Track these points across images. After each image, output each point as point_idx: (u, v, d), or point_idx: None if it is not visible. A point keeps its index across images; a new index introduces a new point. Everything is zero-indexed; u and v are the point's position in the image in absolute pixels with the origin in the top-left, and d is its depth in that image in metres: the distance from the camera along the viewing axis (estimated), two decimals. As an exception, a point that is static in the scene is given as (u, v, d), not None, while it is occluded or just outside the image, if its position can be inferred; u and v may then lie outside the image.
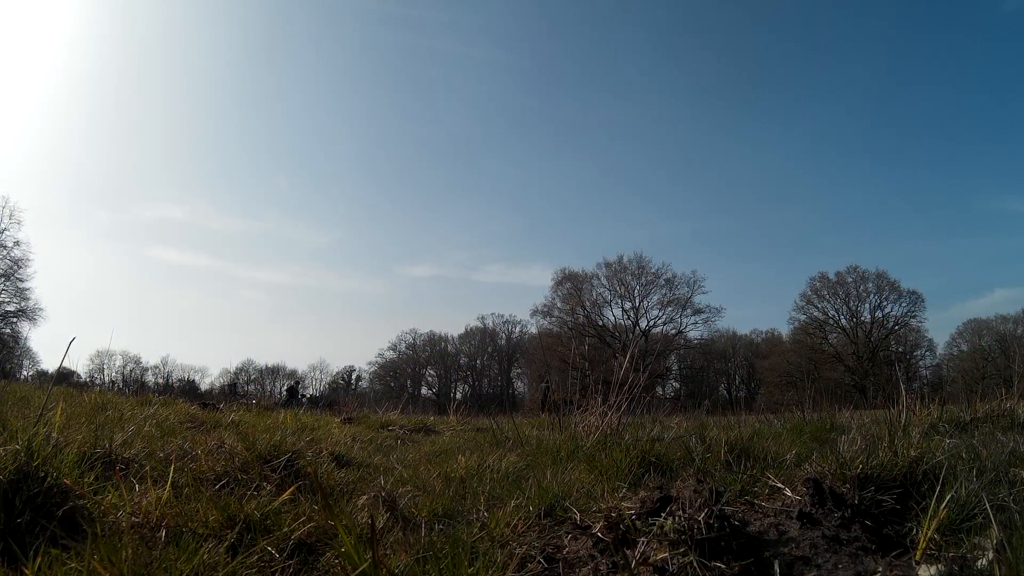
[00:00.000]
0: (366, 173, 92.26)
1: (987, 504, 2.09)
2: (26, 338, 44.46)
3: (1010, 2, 65.26)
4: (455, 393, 68.00)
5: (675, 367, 61.90)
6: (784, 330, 59.62)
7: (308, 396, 28.77)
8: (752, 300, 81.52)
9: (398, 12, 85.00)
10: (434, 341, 71.78)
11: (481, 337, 71.84)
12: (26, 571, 1.62)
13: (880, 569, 1.91)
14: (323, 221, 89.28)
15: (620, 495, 2.57)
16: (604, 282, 57.30)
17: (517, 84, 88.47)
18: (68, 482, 2.10)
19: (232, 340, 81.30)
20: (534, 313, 59.72)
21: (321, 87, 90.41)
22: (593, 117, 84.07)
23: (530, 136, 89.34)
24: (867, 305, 54.03)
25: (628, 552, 1.94)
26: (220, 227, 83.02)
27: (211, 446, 3.16)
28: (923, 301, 52.91)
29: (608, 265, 57.01)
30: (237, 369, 64.73)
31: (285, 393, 25.13)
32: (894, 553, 2.05)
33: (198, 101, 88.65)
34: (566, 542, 2.19)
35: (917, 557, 2.01)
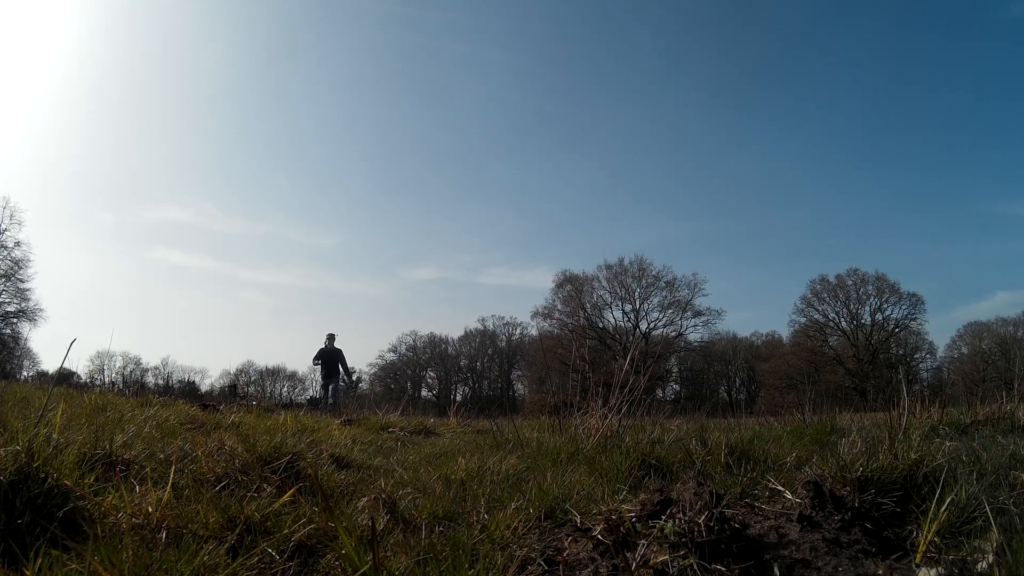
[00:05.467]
0: (370, 175, 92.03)
1: (987, 507, 2.09)
2: (26, 339, 44.46)
3: (1016, 6, 65.25)
4: (455, 395, 68.01)
5: (675, 369, 61.86)
6: (784, 333, 59.64)
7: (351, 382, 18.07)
8: (752, 302, 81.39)
9: (401, 12, 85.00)
10: (434, 343, 71.77)
11: (481, 339, 71.81)
12: (27, 572, 1.62)
13: (880, 572, 1.91)
14: (327, 224, 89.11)
15: (620, 497, 2.58)
16: (605, 284, 57.36)
17: (520, 86, 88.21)
18: (68, 483, 2.10)
19: (233, 341, 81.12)
20: (535, 315, 59.78)
21: (324, 89, 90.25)
22: (597, 119, 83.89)
23: (533, 138, 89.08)
24: (867, 308, 54.06)
25: (628, 555, 1.94)
26: (224, 229, 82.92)
27: (211, 447, 3.16)
28: (923, 304, 52.93)
29: (609, 267, 57.08)
30: (237, 370, 64.81)
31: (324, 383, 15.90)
32: (894, 556, 2.05)
33: (205, 102, 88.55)
34: (566, 544, 2.19)
35: (917, 560, 2.01)
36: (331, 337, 16.42)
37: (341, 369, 16.21)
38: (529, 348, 63.67)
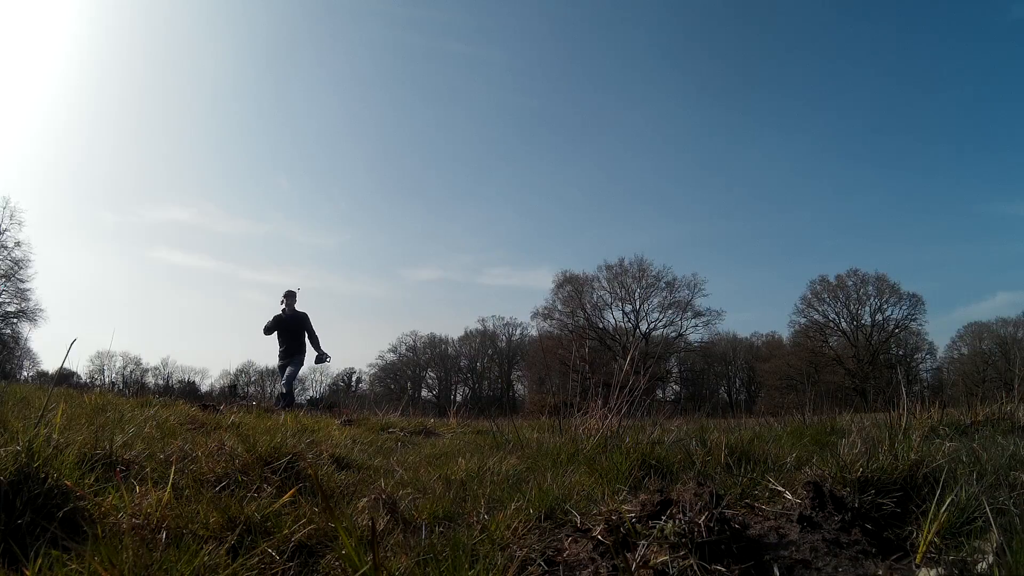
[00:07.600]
0: (371, 175, 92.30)
1: (987, 508, 2.09)
2: (26, 339, 44.64)
3: (1016, 9, 65.45)
4: (455, 395, 68.06)
5: (675, 370, 61.88)
6: (784, 333, 59.68)
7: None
8: (753, 303, 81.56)
9: (402, 12, 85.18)
10: (434, 343, 71.78)
11: (481, 339, 71.80)
12: (27, 572, 1.62)
13: (880, 572, 1.91)
14: (328, 224, 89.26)
15: (620, 498, 2.57)
16: (605, 285, 57.44)
17: (521, 86, 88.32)
18: (69, 483, 2.10)
19: (233, 342, 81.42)
20: (535, 315, 59.87)
21: (325, 89, 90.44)
22: (598, 120, 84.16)
23: (534, 138, 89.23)
24: (868, 308, 54.10)
25: (628, 555, 1.94)
26: (225, 229, 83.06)
27: (211, 448, 3.15)
28: (924, 304, 53.01)
29: (609, 268, 57.15)
30: (237, 371, 64.85)
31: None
32: (894, 556, 2.05)
33: (205, 102, 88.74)
34: (566, 545, 2.19)
35: (917, 560, 2.01)
36: (290, 296, 11.35)
37: (309, 342, 11.31)
38: (529, 348, 63.66)
